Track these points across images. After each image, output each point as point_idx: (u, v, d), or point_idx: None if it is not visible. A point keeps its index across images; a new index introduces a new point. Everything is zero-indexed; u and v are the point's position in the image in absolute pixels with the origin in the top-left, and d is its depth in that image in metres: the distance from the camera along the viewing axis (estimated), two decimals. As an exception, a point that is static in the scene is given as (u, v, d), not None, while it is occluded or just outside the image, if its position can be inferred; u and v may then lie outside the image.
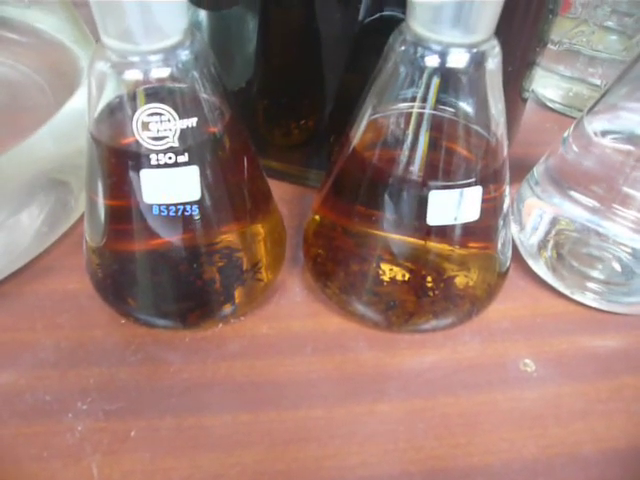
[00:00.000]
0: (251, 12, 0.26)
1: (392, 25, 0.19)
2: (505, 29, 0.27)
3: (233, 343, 0.23)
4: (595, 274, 0.25)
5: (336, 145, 0.24)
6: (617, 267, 0.25)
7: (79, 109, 0.24)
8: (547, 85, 0.38)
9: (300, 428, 0.21)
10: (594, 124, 0.24)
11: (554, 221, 0.26)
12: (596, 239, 0.25)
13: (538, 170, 0.27)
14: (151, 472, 0.19)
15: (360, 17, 0.25)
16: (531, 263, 0.27)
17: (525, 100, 0.35)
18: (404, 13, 0.19)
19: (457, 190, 0.20)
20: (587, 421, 0.21)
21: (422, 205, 0.20)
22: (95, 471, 0.19)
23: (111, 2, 0.16)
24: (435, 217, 0.20)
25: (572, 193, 0.25)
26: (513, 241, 0.27)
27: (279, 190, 0.29)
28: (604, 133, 0.24)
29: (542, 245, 0.26)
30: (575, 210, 0.25)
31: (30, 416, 0.21)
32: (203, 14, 0.28)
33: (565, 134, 0.26)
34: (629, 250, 0.25)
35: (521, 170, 0.28)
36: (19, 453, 0.20)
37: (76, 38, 0.28)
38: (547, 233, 0.26)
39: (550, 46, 0.37)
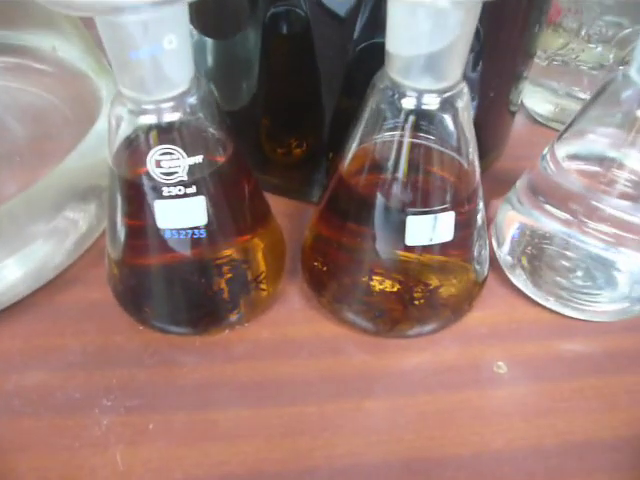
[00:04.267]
0: (253, 39, 0.28)
1: (383, 51, 0.21)
2: (491, 43, 0.29)
3: (238, 347, 0.26)
4: (567, 284, 0.27)
5: (333, 163, 0.26)
6: (588, 277, 0.27)
7: (101, 138, 0.27)
8: (536, 99, 0.40)
9: (295, 422, 0.23)
10: (563, 150, 0.26)
11: (531, 233, 0.28)
12: (569, 251, 0.27)
13: (520, 185, 0.29)
14: (166, 460, 0.22)
15: (354, 44, 0.26)
16: (508, 273, 0.29)
17: (513, 114, 0.37)
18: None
19: (432, 215, 0.22)
20: (550, 417, 0.24)
21: (402, 227, 0.23)
22: (119, 459, 0.22)
23: (128, 61, 0.19)
24: (413, 238, 0.23)
25: (548, 207, 0.27)
26: (492, 251, 0.29)
27: (280, 205, 0.32)
28: (573, 157, 0.26)
29: (519, 256, 0.28)
30: (550, 223, 0.27)
31: (62, 411, 0.23)
32: (209, 40, 0.30)
33: (544, 151, 0.28)
34: (600, 262, 0.26)
35: (509, 183, 0.30)
36: (53, 443, 0.23)
37: (95, 69, 0.31)
38: (524, 245, 0.28)
39: (540, 61, 0.39)
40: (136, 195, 0.22)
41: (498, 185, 0.32)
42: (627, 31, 0.34)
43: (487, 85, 0.31)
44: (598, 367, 0.26)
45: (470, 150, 0.23)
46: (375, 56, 0.22)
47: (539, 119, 0.40)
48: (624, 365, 0.26)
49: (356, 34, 0.26)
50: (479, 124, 0.29)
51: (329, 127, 0.30)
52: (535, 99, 0.40)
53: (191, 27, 0.29)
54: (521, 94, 0.35)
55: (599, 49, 0.36)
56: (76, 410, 0.24)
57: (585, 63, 0.37)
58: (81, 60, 0.31)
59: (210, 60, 0.31)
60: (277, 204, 0.28)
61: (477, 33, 0.27)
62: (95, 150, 0.27)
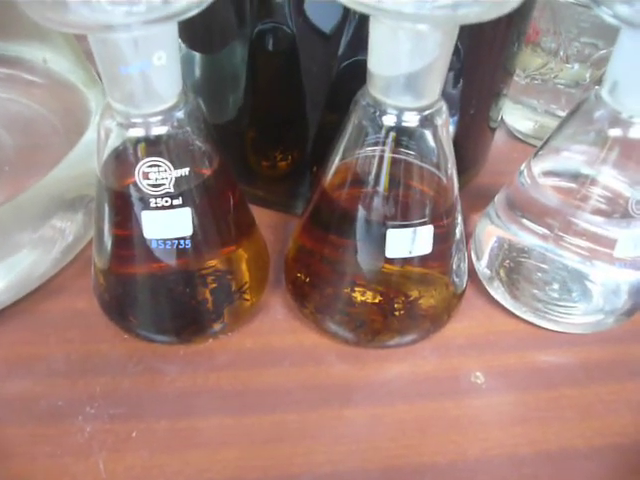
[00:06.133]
0: (240, 54, 0.29)
1: (366, 68, 0.22)
2: (471, 61, 0.30)
3: (221, 356, 0.26)
4: (544, 296, 0.28)
5: (316, 176, 0.26)
6: (564, 290, 0.28)
7: (89, 149, 0.27)
8: (516, 116, 0.41)
9: (276, 430, 0.24)
10: (539, 166, 0.27)
11: (509, 247, 0.28)
12: (546, 264, 0.27)
13: (499, 200, 0.30)
14: (149, 467, 0.22)
15: (338, 61, 0.27)
16: (487, 285, 0.29)
17: (493, 130, 0.38)
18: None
19: (411, 229, 0.23)
20: (525, 426, 0.24)
21: (382, 239, 0.23)
22: (102, 466, 0.22)
23: (118, 76, 0.19)
24: (393, 251, 0.23)
25: (525, 221, 0.27)
26: (471, 264, 0.30)
27: (265, 217, 0.32)
28: (549, 173, 0.27)
29: (497, 269, 0.29)
30: (528, 237, 0.27)
31: (45, 419, 0.24)
32: (197, 55, 0.30)
33: (521, 167, 0.28)
34: (575, 275, 0.27)
35: (488, 198, 0.30)
36: (35, 451, 0.23)
37: (85, 81, 0.31)
38: (502, 258, 0.29)
39: (519, 80, 0.40)
40: (123, 205, 0.23)
41: (478, 200, 0.33)
42: (602, 52, 0.36)
43: (467, 102, 0.32)
44: (573, 377, 0.26)
45: (449, 165, 0.24)
46: (359, 73, 0.22)
47: (519, 136, 0.41)
48: (598, 375, 0.26)
49: (340, 51, 0.27)
50: (459, 140, 0.30)
51: (313, 141, 0.31)
52: (515, 116, 0.41)
53: (179, 41, 0.30)
54: (501, 111, 0.36)
55: (576, 69, 0.37)
56: (59, 418, 0.24)
57: (563, 82, 0.38)
58: (71, 72, 0.32)
59: (197, 74, 0.31)
60: (261, 216, 0.29)
61: (457, 52, 0.28)
62: (83, 161, 0.28)
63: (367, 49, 0.21)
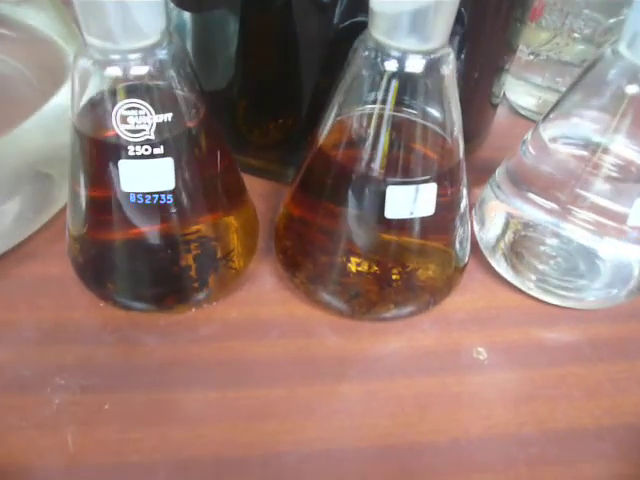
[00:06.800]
0: (232, 15, 0.27)
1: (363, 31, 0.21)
2: (474, 36, 0.29)
3: (204, 327, 0.25)
4: (549, 271, 0.27)
5: (310, 138, 0.25)
6: (570, 265, 0.26)
7: (64, 104, 0.25)
8: (518, 92, 0.40)
9: (262, 405, 0.22)
10: (548, 131, 0.25)
11: (513, 221, 0.27)
12: (552, 238, 0.26)
13: (499, 172, 0.28)
14: (122, 441, 0.21)
15: (335, 22, 0.26)
16: (490, 258, 0.28)
17: (495, 105, 0.36)
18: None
19: (413, 186, 0.21)
20: (531, 405, 0.23)
21: (381, 200, 0.22)
22: (70, 440, 0.20)
23: (93, 4, 0.18)
24: (393, 211, 0.22)
25: (529, 195, 0.26)
26: (474, 237, 0.28)
27: (257, 186, 0.31)
28: (558, 139, 0.26)
29: (501, 243, 0.27)
30: (532, 211, 0.26)
31: (10, 389, 0.22)
32: (186, 16, 0.29)
33: (524, 137, 0.27)
34: (582, 249, 0.26)
35: (491, 172, 0.29)
36: None
37: (64, 35, 0.29)
38: (506, 232, 0.27)
39: (523, 56, 0.38)
40: (100, 157, 0.21)
41: (480, 174, 0.31)
42: (611, 21, 0.34)
43: (469, 75, 0.31)
44: (580, 355, 0.25)
45: (455, 122, 0.22)
46: (356, 36, 0.21)
47: (522, 112, 0.40)
48: (607, 353, 0.25)
49: (337, 12, 0.26)
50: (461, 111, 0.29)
51: (308, 108, 0.30)
52: (518, 92, 0.40)
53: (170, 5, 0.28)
54: (503, 87, 0.35)
55: (582, 44, 0.36)
56: (25, 388, 0.22)
57: (568, 58, 0.37)
58: (50, 27, 0.30)
59: (188, 39, 0.30)
60: (253, 185, 0.27)
61: (461, 22, 0.27)
62: (57, 117, 0.26)
63: (365, 11, 0.19)
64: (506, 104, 0.40)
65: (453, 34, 0.20)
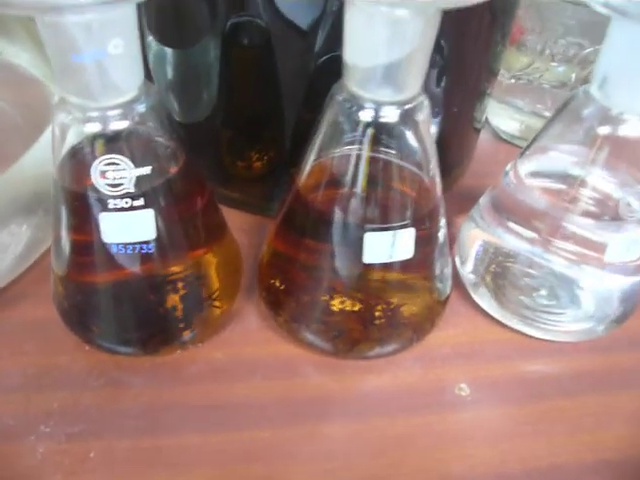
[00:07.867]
0: (213, 50, 0.27)
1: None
2: (455, 60, 0.29)
3: (189, 368, 0.25)
4: (531, 303, 0.27)
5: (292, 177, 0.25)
6: (552, 296, 0.27)
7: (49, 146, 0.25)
8: (501, 117, 0.40)
9: (247, 448, 0.22)
10: (525, 166, 0.26)
11: (494, 251, 0.27)
12: (533, 269, 0.26)
13: (483, 202, 0.29)
14: (107, 491, 0.21)
15: (315, 56, 0.26)
16: (472, 292, 0.28)
17: (478, 130, 0.37)
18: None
19: (391, 232, 0.22)
20: (513, 442, 0.23)
21: (360, 244, 0.22)
22: (55, 490, 0.21)
23: (70, 65, 0.18)
24: (371, 256, 0.22)
25: (511, 225, 0.26)
26: (455, 269, 0.29)
27: (240, 220, 0.31)
28: (536, 174, 0.26)
29: (482, 274, 0.28)
30: (514, 241, 0.26)
31: None
32: (168, 51, 0.29)
33: (507, 168, 0.27)
34: (564, 280, 0.26)
35: (474, 200, 0.29)
36: None
37: (48, 74, 0.30)
38: (487, 263, 0.28)
39: (504, 80, 0.39)
40: (80, 208, 0.21)
41: (463, 203, 0.31)
42: (589, 50, 0.35)
43: (451, 101, 0.31)
44: (562, 389, 0.25)
45: (431, 165, 0.22)
46: (337, 69, 0.21)
47: (504, 137, 0.40)
48: (589, 386, 0.25)
49: (317, 46, 0.26)
50: (443, 141, 0.29)
51: (290, 141, 0.30)
52: (500, 117, 0.40)
53: (150, 37, 0.28)
54: (485, 111, 0.35)
55: (562, 68, 0.37)
56: (9, 438, 0.22)
57: (548, 82, 0.38)
58: (33, 65, 0.30)
59: (169, 71, 0.30)
60: (236, 219, 0.27)
61: (440, 50, 0.27)
62: (44, 159, 0.26)
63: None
64: (489, 129, 0.41)
65: (432, 66, 0.20)
